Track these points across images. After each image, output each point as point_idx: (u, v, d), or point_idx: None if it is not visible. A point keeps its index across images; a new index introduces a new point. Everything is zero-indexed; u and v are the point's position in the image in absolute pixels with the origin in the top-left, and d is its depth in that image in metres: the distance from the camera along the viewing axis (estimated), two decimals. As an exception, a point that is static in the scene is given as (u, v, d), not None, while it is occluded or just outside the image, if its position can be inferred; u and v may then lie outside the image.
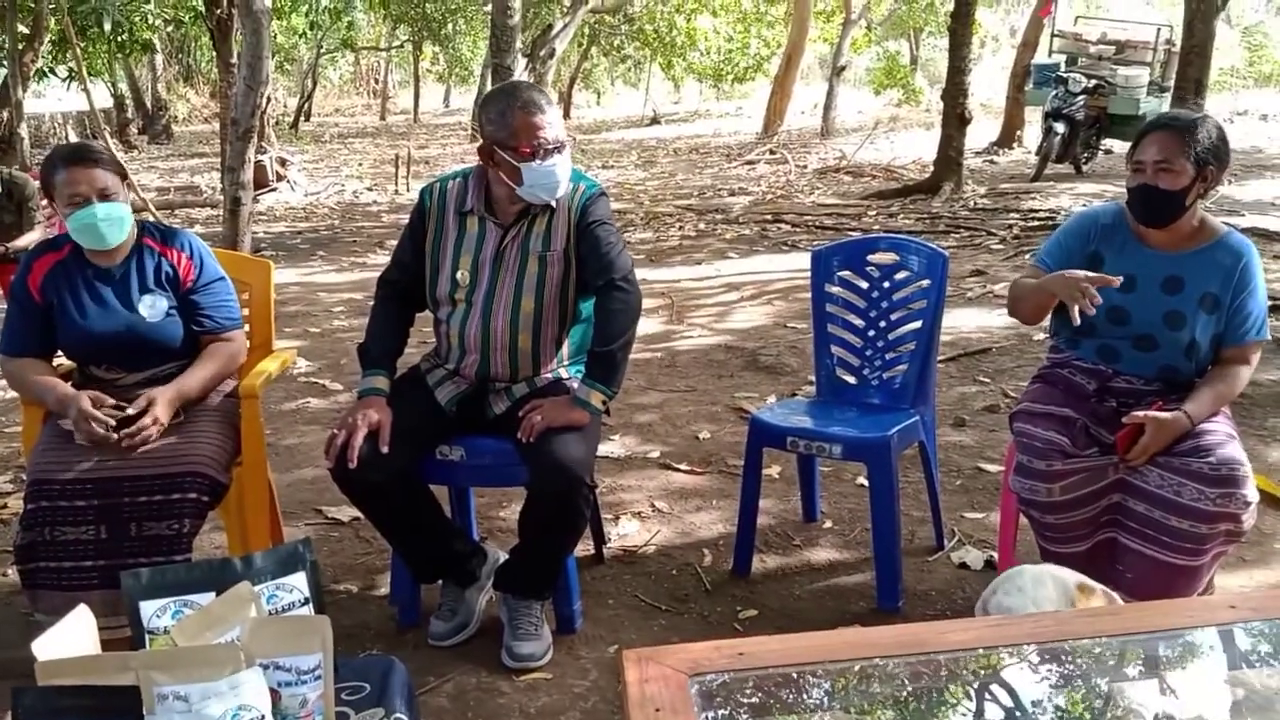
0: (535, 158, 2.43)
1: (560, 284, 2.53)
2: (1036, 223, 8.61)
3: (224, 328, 2.64)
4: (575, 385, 2.53)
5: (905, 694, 1.55)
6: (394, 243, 2.70)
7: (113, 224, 2.49)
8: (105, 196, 2.47)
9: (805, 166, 14.12)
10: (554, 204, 2.52)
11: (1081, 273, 2.33)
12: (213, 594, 1.53)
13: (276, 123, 18.95)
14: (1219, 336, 2.42)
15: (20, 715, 1.27)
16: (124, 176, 2.56)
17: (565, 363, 2.63)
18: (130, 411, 2.41)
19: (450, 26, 25.65)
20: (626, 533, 3.22)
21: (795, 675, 1.52)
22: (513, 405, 2.54)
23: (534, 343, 2.54)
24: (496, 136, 2.45)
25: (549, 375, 2.59)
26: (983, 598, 2.07)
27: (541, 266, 2.52)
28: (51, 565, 2.31)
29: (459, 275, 2.54)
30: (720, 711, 1.45)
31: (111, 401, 2.43)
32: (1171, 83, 8.92)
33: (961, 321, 5.61)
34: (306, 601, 1.61)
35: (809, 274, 3.13)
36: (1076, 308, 2.28)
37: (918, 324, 2.96)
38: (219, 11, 10.89)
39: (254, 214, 8.76)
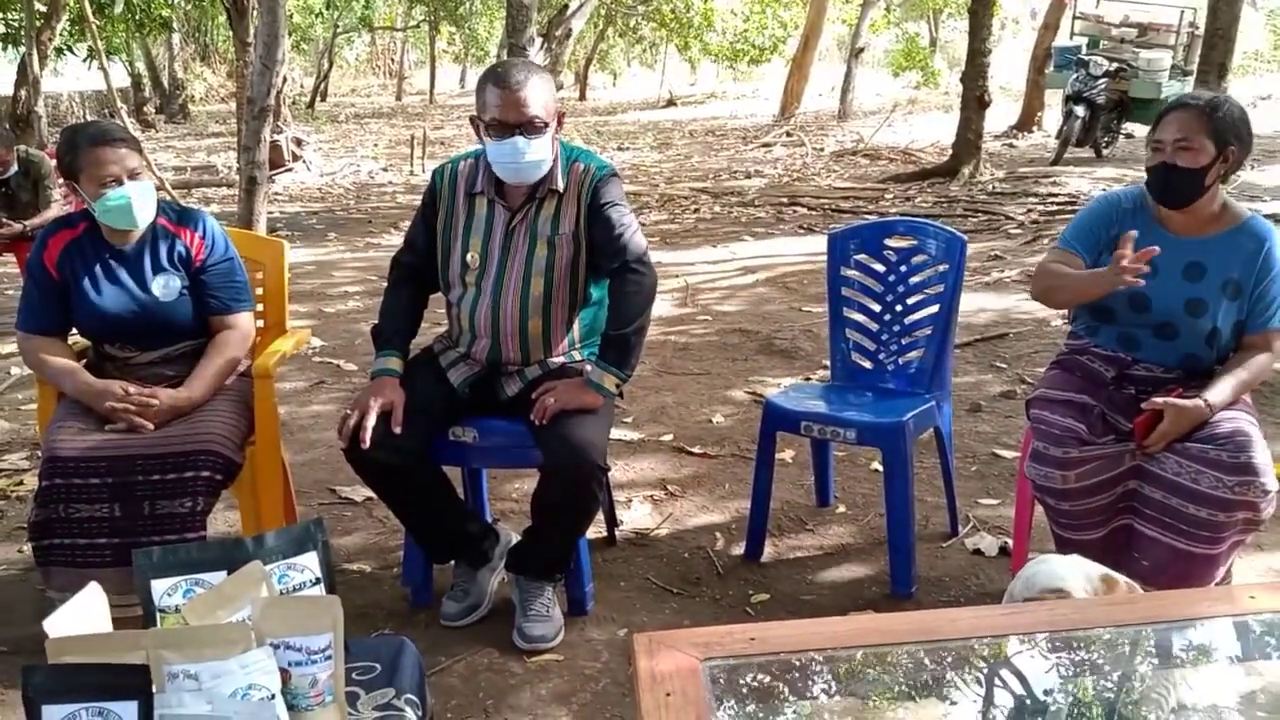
0: (492, 133, 2.39)
1: (569, 267, 2.51)
2: (1055, 207, 8.54)
3: (230, 309, 2.64)
4: (588, 368, 2.51)
5: (917, 681, 1.54)
6: (409, 223, 2.70)
7: (143, 203, 2.50)
8: (134, 176, 2.48)
9: (822, 149, 14.03)
10: (560, 186, 2.50)
11: (1117, 260, 2.26)
12: (224, 573, 1.52)
13: (293, 102, 18.94)
14: (1241, 323, 2.38)
15: (30, 693, 1.27)
16: (142, 154, 2.57)
17: (577, 345, 2.61)
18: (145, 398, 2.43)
19: (466, 6, 25.59)
20: (639, 516, 3.21)
21: (807, 660, 1.51)
22: (525, 387, 2.53)
23: (544, 326, 2.53)
24: (475, 109, 2.45)
25: (560, 358, 2.58)
26: (1011, 592, 2.01)
27: (550, 250, 2.49)
28: (65, 542, 2.32)
29: (469, 257, 2.53)
30: (731, 695, 1.44)
31: (135, 390, 2.45)
32: (1195, 66, 8.79)
33: (979, 306, 5.58)
34: (318, 581, 1.60)
35: (825, 257, 3.11)
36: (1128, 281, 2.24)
37: (935, 308, 2.94)
38: (236, -10, 10.87)
39: (270, 194, 8.77)
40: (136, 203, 2.48)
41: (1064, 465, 2.30)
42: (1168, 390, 2.35)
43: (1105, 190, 2.65)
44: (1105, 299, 2.43)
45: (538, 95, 2.39)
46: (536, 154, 2.40)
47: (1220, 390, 2.32)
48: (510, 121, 2.37)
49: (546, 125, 2.40)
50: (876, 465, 3.40)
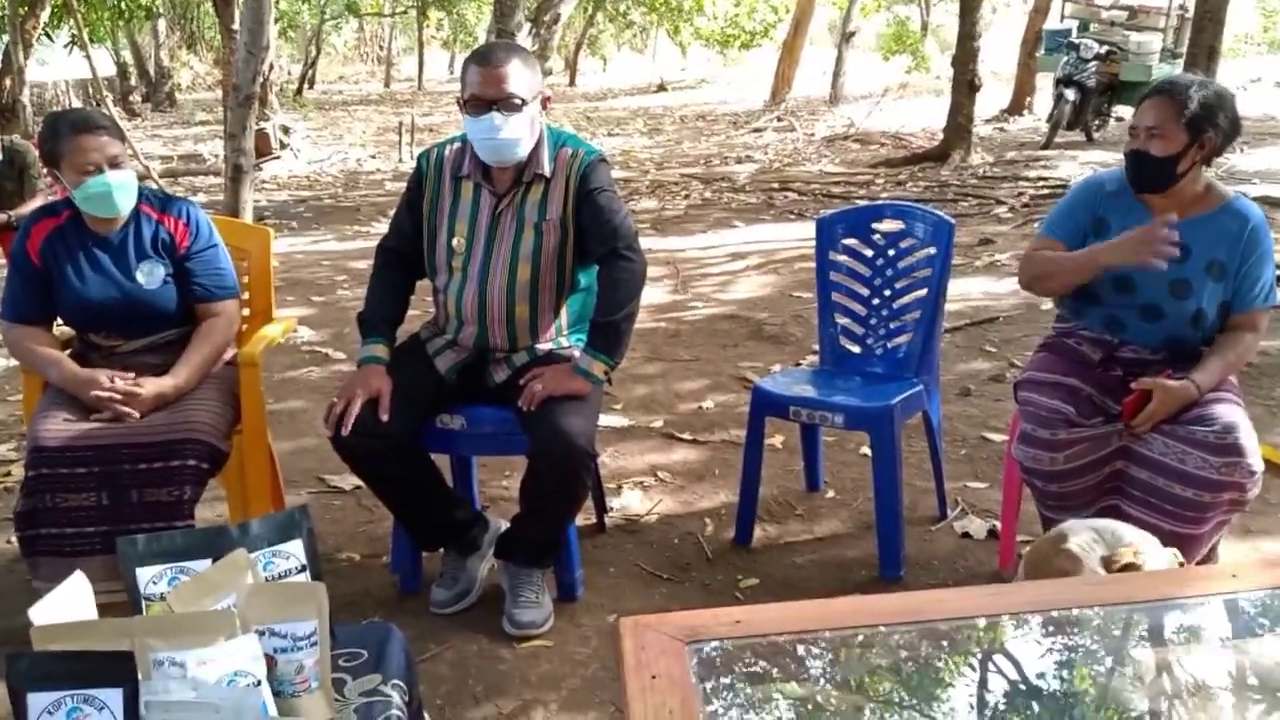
0: (470, 109, 2.39)
1: (557, 252, 2.50)
2: (1046, 191, 8.55)
3: (216, 296, 2.62)
4: (577, 354, 2.51)
5: (904, 662, 1.55)
6: (397, 210, 2.69)
7: (124, 192, 2.49)
8: (115, 164, 2.46)
9: (813, 134, 14.03)
10: (547, 171, 2.49)
11: (1140, 231, 2.28)
12: (209, 561, 1.52)
13: (280, 90, 18.83)
14: (1227, 304, 2.39)
15: (14, 680, 1.26)
16: (124, 142, 2.56)
17: (564, 331, 2.61)
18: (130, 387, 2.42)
19: (454, -8, 25.44)
20: (628, 502, 3.21)
21: (793, 643, 1.51)
22: (513, 374, 2.53)
23: (531, 312, 2.52)
24: (459, 91, 2.45)
25: (548, 344, 2.57)
26: (1075, 538, 1.98)
27: (537, 235, 2.49)
28: (52, 532, 2.32)
29: (454, 242, 2.52)
30: (717, 679, 1.45)
31: (121, 382, 2.44)
32: (1184, 49, 8.80)
33: (969, 290, 5.59)
34: (303, 568, 1.60)
35: (814, 242, 3.11)
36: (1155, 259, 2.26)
37: (923, 292, 2.94)
38: (221, -24, 10.79)
39: (257, 182, 8.73)
40: (117, 191, 2.46)
41: (1052, 447, 2.31)
42: (1155, 372, 2.36)
43: (1092, 173, 2.66)
44: (1090, 282, 2.44)
45: (516, 73, 2.38)
46: (513, 132, 2.39)
47: (1208, 372, 2.33)
48: (487, 97, 2.37)
49: (524, 104, 2.39)
50: (865, 449, 3.40)
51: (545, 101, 2.49)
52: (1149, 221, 2.40)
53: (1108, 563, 1.91)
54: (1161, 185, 2.35)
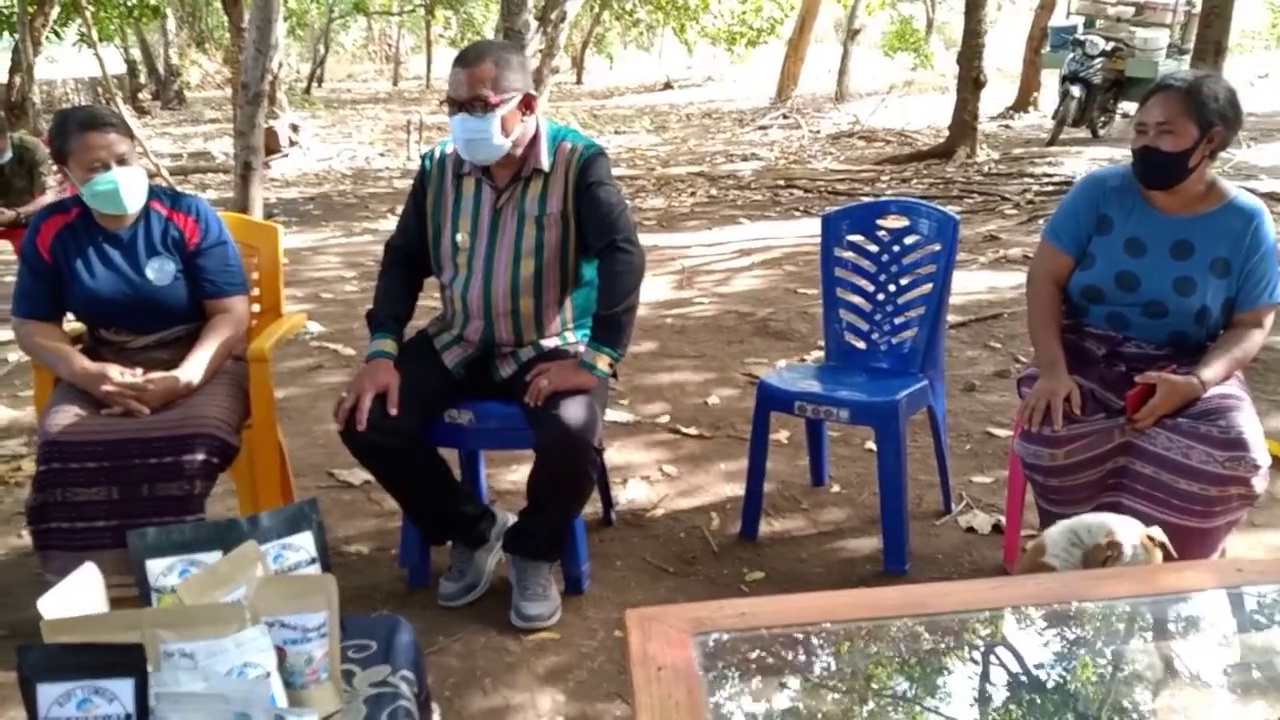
0: (448, 110, 2.43)
1: (559, 247, 2.51)
2: (1051, 187, 8.54)
3: (225, 292, 2.64)
4: (581, 349, 2.52)
5: (907, 654, 1.56)
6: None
7: (132, 189, 2.50)
8: (122, 161, 2.47)
9: (818, 131, 14.02)
10: (546, 166, 2.49)
11: (1062, 394, 2.33)
12: (219, 553, 1.54)
13: (289, 88, 18.87)
14: (1231, 301, 2.39)
15: (25, 672, 1.28)
16: (132, 139, 2.57)
17: (570, 326, 2.62)
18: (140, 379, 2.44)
19: (462, -10, 25.45)
20: (635, 496, 3.22)
21: (797, 635, 1.53)
22: (520, 368, 2.54)
23: (536, 306, 2.53)
24: None
25: (554, 339, 2.59)
26: (1052, 543, 2.01)
27: (539, 230, 2.50)
28: (64, 526, 2.33)
29: (458, 238, 2.54)
30: (722, 670, 1.46)
31: (131, 377, 2.45)
32: (1191, 45, 8.77)
33: (974, 286, 5.58)
34: (313, 561, 1.62)
35: (819, 239, 3.11)
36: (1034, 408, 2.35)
37: (927, 288, 2.95)
38: (229, -25, 10.82)
39: (266, 179, 8.75)
40: (124, 188, 2.47)
41: (1054, 443, 2.31)
42: (1160, 367, 2.35)
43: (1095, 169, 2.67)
44: (1093, 279, 2.44)
45: (487, 74, 2.37)
46: (483, 132, 2.38)
47: (1213, 368, 2.32)
48: (458, 98, 2.39)
49: (494, 106, 2.37)
50: (871, 444, 3.41)
51: (529, 100, 2.46)
52: (1152, 219, 2.40)
53: (1086, 558, 1.91)
54: (1172, 180, 2.35)
